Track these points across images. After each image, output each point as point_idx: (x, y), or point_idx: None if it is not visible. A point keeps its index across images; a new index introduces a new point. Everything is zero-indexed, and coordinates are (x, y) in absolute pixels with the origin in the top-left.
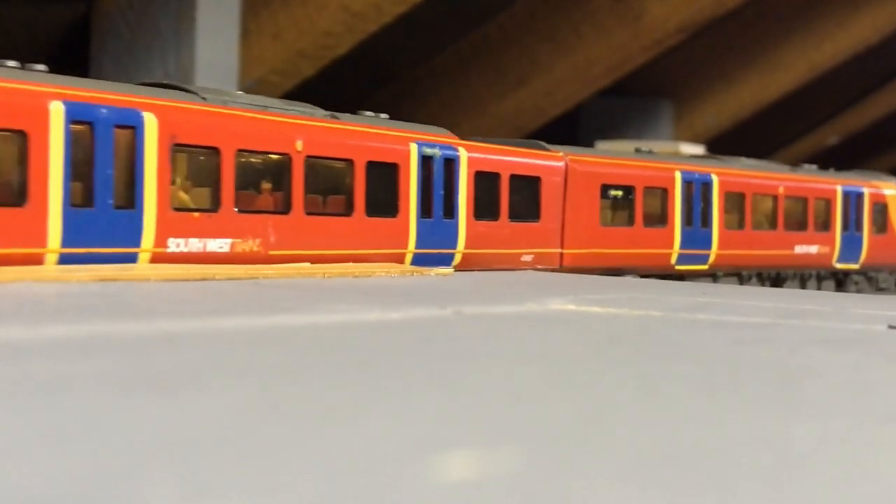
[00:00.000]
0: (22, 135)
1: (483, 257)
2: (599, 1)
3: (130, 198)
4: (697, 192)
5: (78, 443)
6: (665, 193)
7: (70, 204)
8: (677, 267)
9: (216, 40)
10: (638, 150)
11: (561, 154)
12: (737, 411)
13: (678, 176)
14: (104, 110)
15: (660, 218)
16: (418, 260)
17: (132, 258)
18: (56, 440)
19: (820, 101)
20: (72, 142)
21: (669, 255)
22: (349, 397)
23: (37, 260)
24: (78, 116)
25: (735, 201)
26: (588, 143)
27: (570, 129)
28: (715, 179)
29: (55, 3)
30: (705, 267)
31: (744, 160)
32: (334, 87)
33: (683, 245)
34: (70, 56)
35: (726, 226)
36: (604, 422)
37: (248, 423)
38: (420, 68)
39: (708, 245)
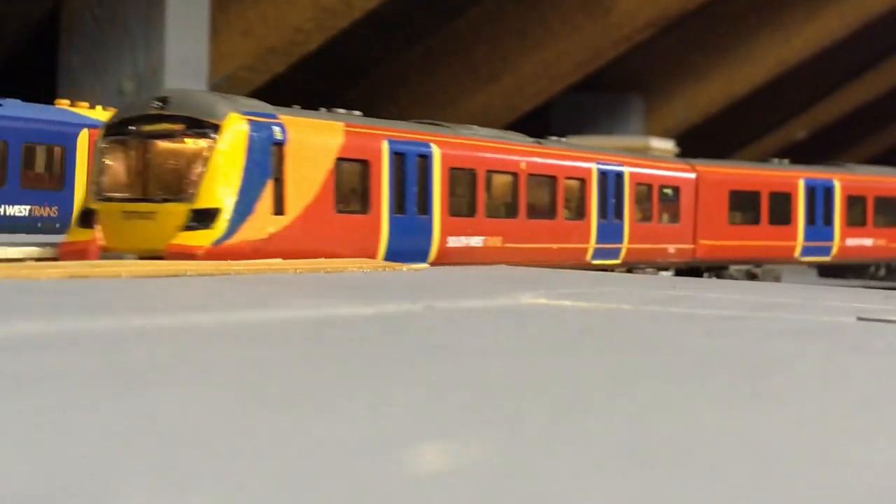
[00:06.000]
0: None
1: None
2: None
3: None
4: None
5: (50, 439)
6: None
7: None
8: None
9: (185, 37)
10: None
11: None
12: (708, 401)
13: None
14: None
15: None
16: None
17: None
18: (27, 436)
19: (789, 96)
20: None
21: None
22: (322, 391)
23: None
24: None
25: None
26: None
27: (541, 124)
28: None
29: None
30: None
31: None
32: (304, 84)
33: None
34: (38, 52)
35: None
36: (576, 414)
37: (220, 417)
38: (390, 64)
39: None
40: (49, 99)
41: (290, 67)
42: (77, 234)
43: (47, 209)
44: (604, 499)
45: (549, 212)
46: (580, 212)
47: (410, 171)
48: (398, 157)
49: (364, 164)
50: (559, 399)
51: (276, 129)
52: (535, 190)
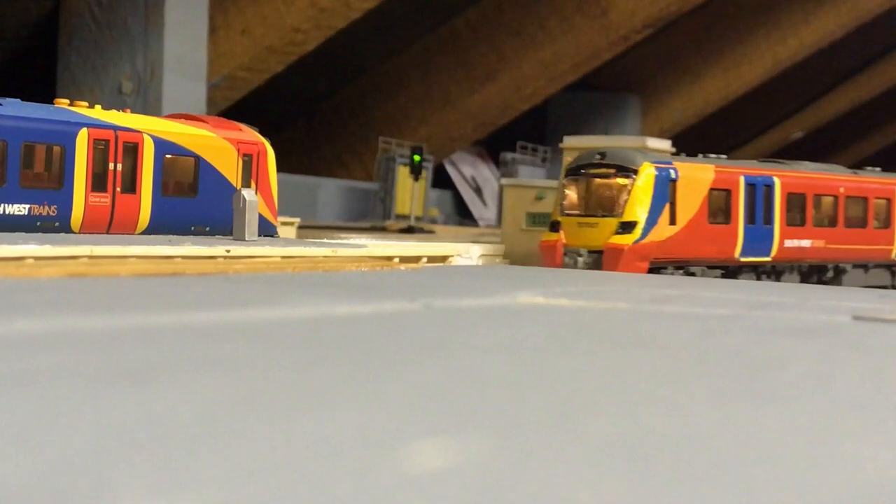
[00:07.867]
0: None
1: None
2: None
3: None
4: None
5: (49, 436)
6: None
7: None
8: None
9: (184, 36)
10: None
11: None
12: (704, 399)
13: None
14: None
15: None
16: None
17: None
18: (27, 433)
19: (785, 96)
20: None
21: None
22: (320, 389)
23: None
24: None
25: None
26: (555, 138)
27: (537, 124)
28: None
29: None
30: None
31: None
32: (303, 83)
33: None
34: (38, 52)
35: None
36: (572, 411)
37: (218, 415)
38: (388, 64)
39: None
40: (48, 98)
41: (289, 67)
42: (550, 237)
43: (46, 208)
44: (599, 495)
45: (862, 222)
46: (886, 222)
47: (759, 195)
48: (751, 187)
49: (727, 192)
50: (556, 396)
51: (672, 171)
52: (851, 206)
